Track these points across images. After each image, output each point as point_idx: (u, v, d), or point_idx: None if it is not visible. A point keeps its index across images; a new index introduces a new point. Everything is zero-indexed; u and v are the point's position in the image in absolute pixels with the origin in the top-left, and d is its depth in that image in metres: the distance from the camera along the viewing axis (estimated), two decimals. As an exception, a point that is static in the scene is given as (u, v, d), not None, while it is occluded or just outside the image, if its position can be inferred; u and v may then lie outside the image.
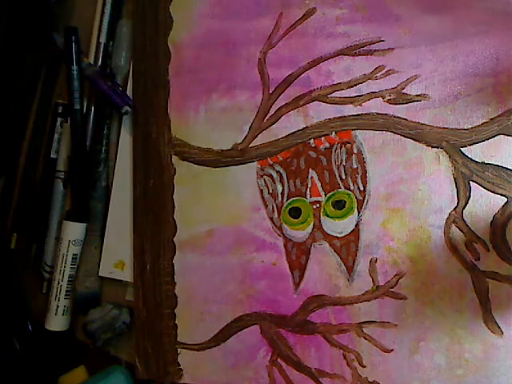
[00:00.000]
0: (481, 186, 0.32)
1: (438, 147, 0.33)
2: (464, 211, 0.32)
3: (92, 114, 0.42)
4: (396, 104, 0.34)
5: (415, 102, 0.34)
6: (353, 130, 0.35)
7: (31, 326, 0.44)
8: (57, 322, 0.40)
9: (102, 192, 0.41)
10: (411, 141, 0.33)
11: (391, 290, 0.33)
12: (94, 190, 0.41)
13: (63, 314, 0.40)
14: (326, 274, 0.35)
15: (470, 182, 0.32)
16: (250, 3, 0.37)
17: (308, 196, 0.35)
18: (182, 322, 0.38)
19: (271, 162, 0.36)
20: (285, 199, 0.36)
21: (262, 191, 0.36)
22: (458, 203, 0.32)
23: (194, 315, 0.37)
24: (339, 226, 0.35)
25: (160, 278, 0.38)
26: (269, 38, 0.37)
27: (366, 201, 0.34)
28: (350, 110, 0.35)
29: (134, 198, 0.40)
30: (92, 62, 0.41)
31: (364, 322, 0.34)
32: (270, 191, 0.36)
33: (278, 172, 0.36)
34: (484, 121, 0.32)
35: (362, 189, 0.34)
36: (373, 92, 0.34)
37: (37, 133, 0.45)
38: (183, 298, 0.38)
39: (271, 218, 0.36)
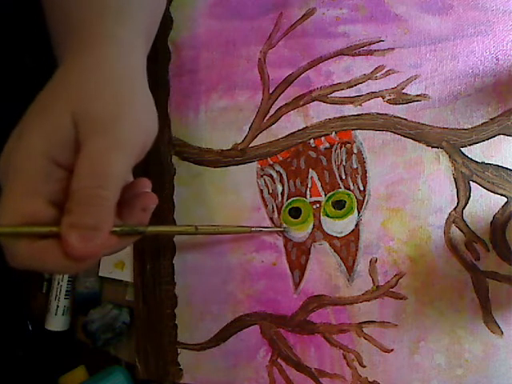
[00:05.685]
0: (481, 186, 0.32)
1: (438, 147, 0.33)
2: (464, 211, 0.32)
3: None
4: (396, 104, 0.34)
5: (415, 102, 0.34)
6: (353, 129, 0.35)
7: (31, 326, 0.44)
8: (57, 322, 0.40)
9: (102, 192, 0.41)
10: (411, 141, 0.33)
11: (391, 289, 0.33)
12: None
13: (63, 314, 0.40)
14: (325, 274, 0.35)
15: (470, 182, 0.32)
16: (250, 3, 0.37)
17: (308, 196, 0.35)
18: (182, 322, 0.38)
19: (271, 162, 0.36)
20: (285, 199, 0.36)
21: (261, 191, 0.36)
22: (457, 203, 0.32)
23: (194, 315, 0.37)
24: (339, 226, 0.35)
25: (160, 278, 0.38)
26: (269, 38, 0.37)
27: (366, 201, 0.34)
28: (350, 110, 0.35)
29: (134, 198, 0.40)
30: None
31: (364, 322, 0.34)
32: (270, 191, 0.36)
33: (278, 172, 0.36)
34: (484, 121, 0.32)
35: (362, 189, 0.34)
36: (373, 92, 0.34)
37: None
38: (183, 298, 0.38)
39: (271, 218, 0.36)
